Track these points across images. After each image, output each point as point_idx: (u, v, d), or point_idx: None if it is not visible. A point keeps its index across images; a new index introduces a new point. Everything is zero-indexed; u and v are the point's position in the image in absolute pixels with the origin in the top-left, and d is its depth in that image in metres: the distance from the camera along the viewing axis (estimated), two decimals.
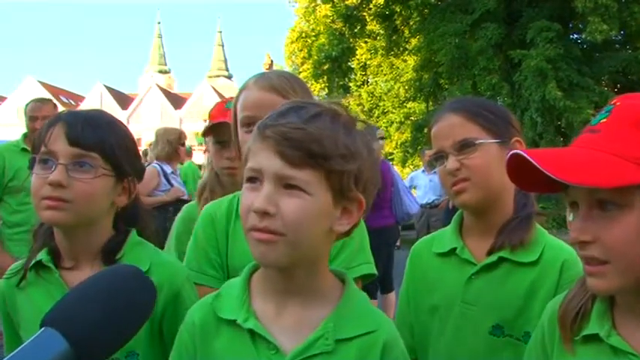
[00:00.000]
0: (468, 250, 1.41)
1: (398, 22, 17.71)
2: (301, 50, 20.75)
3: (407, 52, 18.45)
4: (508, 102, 13.74)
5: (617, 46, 15.60)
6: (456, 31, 14.74)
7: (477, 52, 14.40)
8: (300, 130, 0.89)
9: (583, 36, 14.15)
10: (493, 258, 1.35)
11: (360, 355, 0.96)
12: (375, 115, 20.20)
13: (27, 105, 4.02)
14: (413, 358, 1.37)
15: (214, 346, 0.98)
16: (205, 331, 0.99)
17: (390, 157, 18.29)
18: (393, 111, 19.86)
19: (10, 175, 3.85)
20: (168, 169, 4.67)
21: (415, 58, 17.59)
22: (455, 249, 1.42)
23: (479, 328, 1.35)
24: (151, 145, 5.83)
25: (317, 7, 19.91)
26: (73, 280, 1.19)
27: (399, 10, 17.33)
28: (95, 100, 48.52)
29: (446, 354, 1.41)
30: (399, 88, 19.35)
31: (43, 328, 0.66)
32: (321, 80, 20.24)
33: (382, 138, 5.56)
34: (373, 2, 17.44)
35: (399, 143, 19.20)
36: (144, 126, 41.96)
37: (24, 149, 3.87)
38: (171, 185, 4.64)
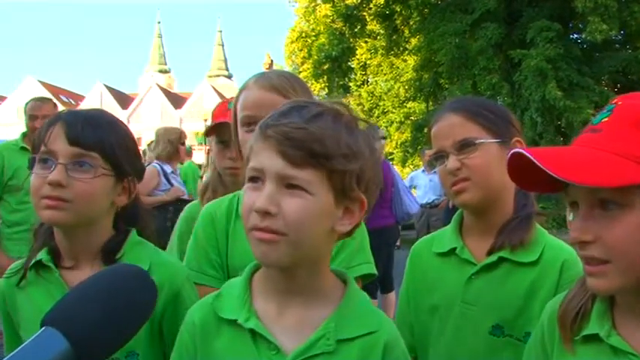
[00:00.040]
0: (468, 250, 1.41)
1: (398, 21, 17.71)
2: (301, 50, 20.74)
3: (407, 52, 18.45)
4: (508, 102, 13.75)
5: (617, 45, 15.61)
6: (456, 31, 14.75)
7: (477, 52, 14.41)
8: (302, 129, 0.88)
9: (583, 36, 14.16)
10: (493, 258, 1.35)
11: (361, 356, 0.96)
12: (375, 114, 20.18)
13: (27, 104, 4.02)
14: (413, 357, 1.37)
15: (215, 346, 0.98)
16: (206, 331, 0.99)
17: (390, 157, 18.28)
18: (393, 111, 19.85)
19: (10, 174, 3.85)
20: (168, 168, 4.67)
21: (415, 57, 17.59)
22: (455, 249, 1.42)
23: (479, 328, 1.35)
24: (149, 145, 5.83)
25: (317, 7, 19.90)
26: (73, 280, 1.19)
27: (399, 9, 17.33)
28: (95, 99, 48.55)
29: (446, 354, 1.41)
30: (399, 87, 19.34)
31: (43, 328, 0.66)
32: (321, 80, 20.24)
33: (383, 138, 5.56)
34: (373, 2, 17.44)
35: (399, 143, 19.19)
36: (144, 126, 41.98)
37: (23, 148, 3.87)
38: (172, 185, 4.63)
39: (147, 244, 1.30)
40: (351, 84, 21.34)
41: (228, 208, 1.43)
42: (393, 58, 19.31)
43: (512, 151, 0.92)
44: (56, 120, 1.18)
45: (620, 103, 0.93)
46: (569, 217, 0.94)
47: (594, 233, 0.88)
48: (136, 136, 1.36)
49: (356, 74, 21.26)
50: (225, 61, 78.57)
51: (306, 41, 20.53)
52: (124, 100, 52.56)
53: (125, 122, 1.36)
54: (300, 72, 19.57)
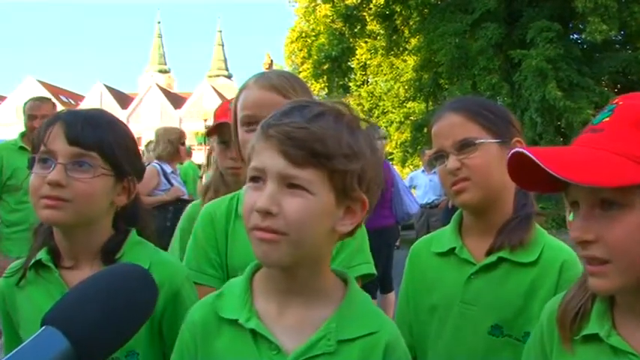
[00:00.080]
0: (467, 250, 1.41)
1: (398, 21, 17.71)
2: (301, 50, 20.73)
3: (407, 52, 18.44)
4: (508, 102, 13.74)
5: (617, 46, 15.61)
6: (456, 31, 14.74)
7: (477, 52, 14.40)
8: (304, 129, 0.88)
9: (583, 36, 14.14)
10: (492, 258, 1.35)
11: (362, 356, 0.96)
12: (375, 115, 20.17)
13: (25, 104, 4.01)
14: (412, 358, 1.37)
15: (215, 345, 0.97)
16: (206, 331, 0.99)
17: (389, 157, 18.27)
18: (393, 111, 19.85)
19: (8, 174, 3.86)
20: (168, 168, 4.67)
21: (415, 58, 17.58)
22: (454, 249, 1.42)
23: (478, 328, 1.35)
24: (147, 145, 5.82)
25: (317, 7, 19.90)
26: (72, 280, 1.19)
27: (399, 9, 17.32)
28: (95, 99, 48.54)
29: (445, 354, 1.41)
30: (398, 87, 19.34)
31: (44, 327, 0.66)
32: (321, 80, 20.23)
33: (384, 138, 5.55)
34: (373, 2, 17.43)
35: (398, 143, 19.18)
36: (143, 125, 41.98)
37: (21, 148, 3.87)
38: (171, 185, 4.64)
39: (147, 243, 1.30)
40: (350, 84, 21.32)
41: (228, 208, 1.43)
42: (392, 58, 19.30)
43: (512, 151, 0.92)
44: (56, 120, 1.18)
45: (621, 103, 0.93)
46: (569, 217, 0.94)
47: (595, 233, 0.88)
48: (135, 136, 1.36)
49: (356, 74, 21.26)
50: (225, 61, 78.56)
51: (306, 41, 20.52)
52: (123, 100, 52.56)
53: (125, 122, 1.36)
54: (300, 72, 19.57)
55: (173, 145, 4.71)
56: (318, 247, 0.94)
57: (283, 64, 21.64)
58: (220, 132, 1.99)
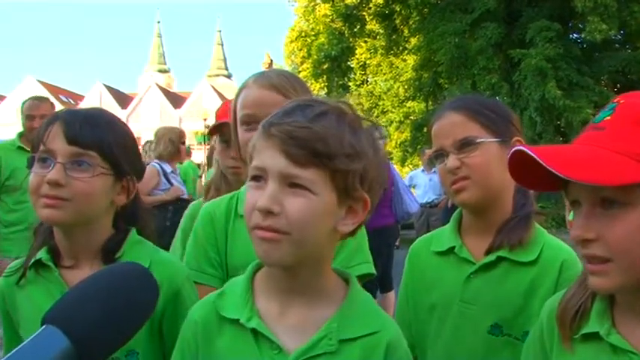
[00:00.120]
0: (467, 249, 1.41)
1: (397, 21, 17.71)
2: (301, 49, 20.71)
3: (406, 52, 18.44)
4: (507, 101, 13.74)
5: (616, 45, 15.62)
6: (455, 31, 14.74)
7: (476, 52, 14.41)
8: (306, 128, 0.88)
9: (583, 35, 14.14)
10: (492, 257, 1.35)
11: (363, 356, 0.95)
12: (375, 114, 20.14)
13: (23, 103, 4.00)
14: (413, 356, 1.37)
15: (217, 345, 0.97)
16: (207, 330, 0.99)
17: (389, 157, 18.27)
18: (393, 110, 19.84)
19: (7, 174, 3.85)
20: (167, 168, 4.67)
21: (415, 57, 17.58)
22: (453, 248, 1.42)
23: (478, 328, 1.35)
24: (144, 145, 5.82)
25: (316, 7, 19.87)
26: (72, 279, 1.19)
27: (398, 9, 17.33)
28: (95, 99, 48.50)
29: (444, 353, 1.41)
30: (398, 87, 19.33)
31: (44, 326, 0.66)
32: (320, 79, 20.20)
33: (384, 137, 5.55)
34: (373, 1, 17.43)
35: (398, 142, 19.17)
36: (143, 125, 41.93)
37: (20, 148, 3.86)
38: (171, 184, 4.64)
39: (147, 243, 1.30)
40: (350, 83, 21.31)
41: (228, 207, 1.43)
42: (392, 58, 19.30)
43: (514, 149, 0.92)
44: (55, 119, 1.18)
45: (622, 101, 0.93)
46: (569, 216, 0.94)
47: (596, 231, 0.88)
48: (135, 136, 1.36)
49: (355, 74, 21.23)
50: (225, 60, 78.49)
51: (306, 41, 20.49)
52: (123, 99, 52.53)
53: (124, 122, 1.36)
54: (300, 71, 19.54)
55: (174, 144, 4.71)
56: (319, 246, 0.93)
57: (283, 64, 21.63)
58: (222, 131, 2.00)
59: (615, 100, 0.94)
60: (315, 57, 19.75)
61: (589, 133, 0.93)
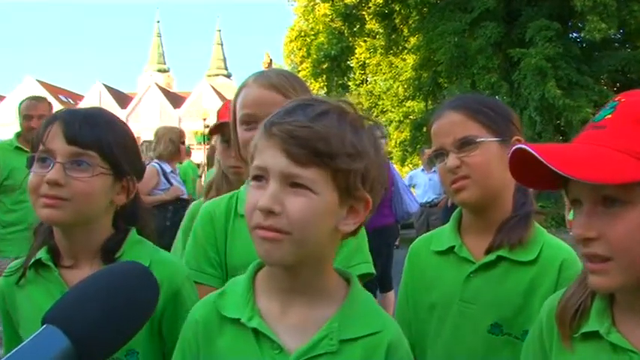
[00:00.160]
0: (467, 249, 1.41)
1: (397, 20, 17.71)
2: (300, 49, 20.70)
3: (406, 51, 18.43)
4: (507, 101, 13.73)
5: (616, 44, 15.62)
6: (455, 30, 14.75)
7: (476, 51, 14.41)
8: (307, 128, 0.88)
9: (582, 35, 14.14)
10: (491, 257, 1.35)
11: (364, 356, 0.95)
12: (374, 114, 20.11)
13: (21, 103, 3.98)
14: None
15: (217, 344, 0.97)
16: (208, 329, 0.99)
17: (389, 156, 18.27)
18: (392, 110, 19.84)
19: (5, 175, 3.84)
20: (167, 168, 4.67)
21: (414, 56, 17.57)
22: (453, 247, 1.42)
23: (477, 327, 1.35)
24: (141, 145, 5.81)
25: (316, 6, 19.86)
26: (72, 279, 1.19)
27: (398, 8, 17.32)
28: (94, 99, 48.42)
29: (444, 352, 1.41)
30: (398, 87, 19.32)
31: (44, 326, 0.66)
32: (320, 79, 20.20)
33: (384, 137, 5.55)
34: (372, 1, 17.43)
35: (398, 142, 19.17)
36: (143, 125, 41.86)
37: (17, 148, 3.85)
38: (171, 184, 4.64)
39: (146, 242, 1.30)
40: (350, 83, 21.30)
41: (227, 207, 1.43)
42: (392, 57, 19.29)
43: (514, 147, 0.92)
44: (54, 119, 1.18)
45: (623, 100, 0.93)
46: (569, 216, 0.94)
47: (597, 230, 0.88)
48: (135, 136, 1.36)
49: (355, 73, 21.23)
50: (225, 60, 78.44)
51: (305, 40, 20.49)
52: (122, 99, 52.48)
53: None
54: (299, 71, 19.54)
55: (174, 144, 4.72)
56: (321, 246, 0.93)
57: (282, 63, 21.62)
58: (223, 131, 2.00)
59: (616, 99, 0.94)
60: (315, 56, 19.75)
61: (589, 131, 0.93)
